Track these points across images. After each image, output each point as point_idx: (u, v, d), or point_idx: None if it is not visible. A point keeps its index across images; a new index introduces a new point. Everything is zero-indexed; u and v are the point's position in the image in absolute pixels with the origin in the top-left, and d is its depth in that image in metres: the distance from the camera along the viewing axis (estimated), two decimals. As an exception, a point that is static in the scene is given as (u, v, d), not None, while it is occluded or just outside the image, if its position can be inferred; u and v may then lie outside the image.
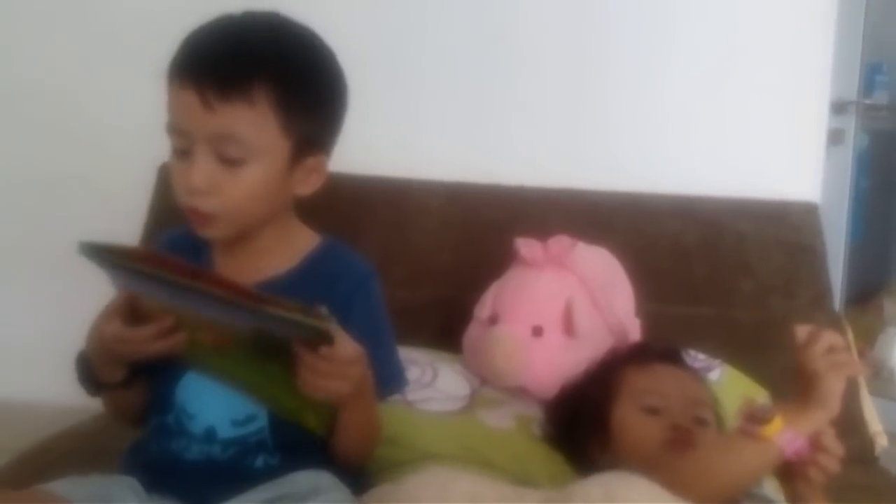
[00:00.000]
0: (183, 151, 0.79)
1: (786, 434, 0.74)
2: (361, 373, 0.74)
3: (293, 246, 0.88)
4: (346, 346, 0.71)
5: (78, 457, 1.01)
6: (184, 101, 0.77)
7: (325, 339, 0.69)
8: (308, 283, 0.84)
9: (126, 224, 1.29)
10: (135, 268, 0.73)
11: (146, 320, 0.78)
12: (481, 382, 1.16)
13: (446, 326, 1.24)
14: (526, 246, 1.18)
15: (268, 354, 0.73)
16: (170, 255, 0.76)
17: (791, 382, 0.79)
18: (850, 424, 1.26)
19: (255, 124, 0.79)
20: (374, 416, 0.83)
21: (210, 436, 0.82)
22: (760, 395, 1.19)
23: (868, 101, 1.99)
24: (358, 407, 0.78)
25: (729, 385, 1.18)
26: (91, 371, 0.83)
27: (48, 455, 1.07)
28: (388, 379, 0.87)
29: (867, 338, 2.23)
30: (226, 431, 0.82)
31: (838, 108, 1.80)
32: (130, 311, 0.78)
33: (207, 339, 0.75)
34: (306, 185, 0.85)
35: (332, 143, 0.87)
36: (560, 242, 1.18)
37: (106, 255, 0.74)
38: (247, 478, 0.80)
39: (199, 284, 0.70)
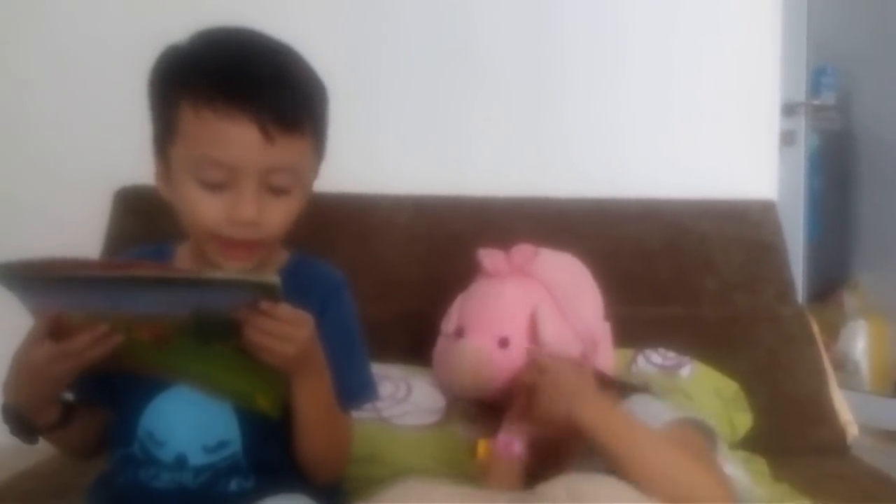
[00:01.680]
0: (218, 184, 0.74)
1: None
2: (307, 337, 0.72)
3: (265, 263, 0.86)
4: (291, 308, 0.71)
5: (38, 497, 0.97)
6: (238, 136, 0.73)
7: (271, 294, 0.69)
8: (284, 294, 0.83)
9: (82, 251, 1.26)
10: (58, 275, 0.68)
11: (74, 335, 0.72)
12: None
13: (417, 340, 1.23)
14: (489, 257, 1.16)
15: (210, 336, 0.71)
16: (87, 258, 0.71)
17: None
18: (821, 416, 1.29)
19: (303, 153, 0.78)
20: (332, 412, 0.80)
21: (181, 463, 0.79)
22: (730, 389, 1.22)
23: (816, 102, 2.05)
24: (307, 382, 0.76)
25: (700, 380, 1.20)
26: (21, 418, 0.78)
27: (6, 494, 1.02)
28: (360, 387, 0.86)
29: (830, 332, 2.29)
30: (197, 458, 0.79)
31: (788, 109, 1.85)
32: (57, 331, 0.72)
33: (145, 336, 0.72)
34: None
35: None
36: (522, 251, 1.16)
37: (21, 271, 0.68)
38: (220, 503, 0.78)
39: (132, 271, 0.68)
